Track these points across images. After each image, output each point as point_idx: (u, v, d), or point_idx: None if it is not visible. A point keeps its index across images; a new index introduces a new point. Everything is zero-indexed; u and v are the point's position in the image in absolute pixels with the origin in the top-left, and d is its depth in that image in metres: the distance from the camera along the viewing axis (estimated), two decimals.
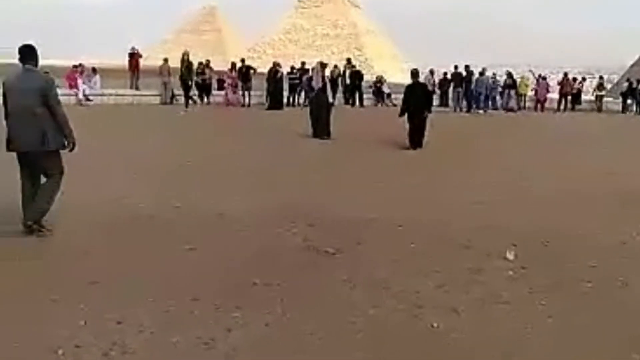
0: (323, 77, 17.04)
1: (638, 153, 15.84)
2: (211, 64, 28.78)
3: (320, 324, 4.66)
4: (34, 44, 6.84)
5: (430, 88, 27.21)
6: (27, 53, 6.71)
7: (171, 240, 6.70)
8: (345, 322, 4.72)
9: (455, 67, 30.81)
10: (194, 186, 9.55)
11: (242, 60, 29.47)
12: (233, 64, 28.44)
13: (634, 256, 6.58)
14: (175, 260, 6.07)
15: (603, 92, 33.83)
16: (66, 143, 6.74)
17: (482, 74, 30.56)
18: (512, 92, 31.52)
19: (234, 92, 27.54)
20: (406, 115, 15.11)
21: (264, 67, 30.04)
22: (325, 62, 18.15)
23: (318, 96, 16.70)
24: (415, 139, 14.84)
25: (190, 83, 26.47)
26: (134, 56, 28.14)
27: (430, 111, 15.45)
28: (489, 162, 13.18)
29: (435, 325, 4.68)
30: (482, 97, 30.17)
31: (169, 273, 5.68)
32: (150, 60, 33.99)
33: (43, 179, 6.84)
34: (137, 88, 27.79)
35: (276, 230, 7.18)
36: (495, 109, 30.89)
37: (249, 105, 27.59)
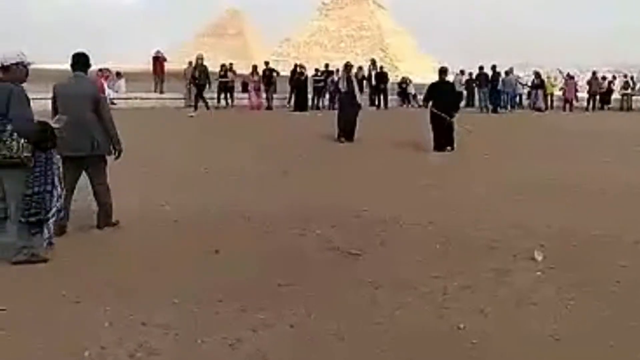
0: (349, 78, 16.59)
1: None
2: (234, 67, 28.84)
3: (345, 325, 4.64)
4: (86, 52, 7.10)
5: (459, 88, 27.26)
6: (79, 60, 6.98)
7: (195, 242, 6.72)
8: (371, 323, 4.70)
9: (481, 67, 30.64)
10: (218, 188, 9.59)
11: (266, 63, 29.60)
12: (254, 68, 28.50)
13: None
14: (199, 262, 6.09)
15: (629, 91, 33.41)
16: (113, 149, 7.01)
17: (507, 73, 30.43)
18: (540, 92, 31.28)
19: (258, 96, 27.63)
20: (430, 116, 14.63)
21: (288, 71, 30.04)
22: (351, 63, 17.72)
23: (345, 98, 16.39)
24: (442, 141, 14.30)
25: (206, 85, 26.36)
26: (158, 59, 28.31)
27: (456, 112, 14.94)
28: (515, 162, 13.05)
29: (461, 326, 4.63)
30: (509, 97, 30.06)
31: (194, 275, 5.70)
32: (174, 64, 34.13)
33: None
34: (161, 92, 27.97)
35: (299, 232, 7.18)
36: (522, 108, 30.76)
37: (271, 107, 27.63)
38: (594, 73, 34.17)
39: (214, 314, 4.79)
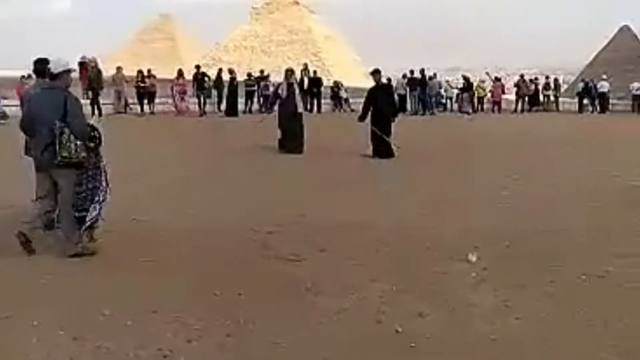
0: (291, 85, 15.41)
1: (592, 151, 16.12)
2: (164, 72, 28.29)
3: (283, 333, 4.56)
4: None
5: (402, 91, 27.61)
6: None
7: (128, 252, 6.53)
8: (310, 330, 4.64)
9: (411, 71, 31.13)
10: (151, 195, 9.35)
11: (197, 67, 29.19)
12: (180, 72, 27.98)
13: (595, 255, 6.61)
14: (131, 272, 5.90)
15: (550, 92, 34.51)
16: None
17: (431, 78, 31.68)
18: (465, 95, 32.06)
19: (183, 100, 27.12)
20: (370, 120, 14.33)
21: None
22: (292, 69, 16.55)
23: (286, 106, 15.15)
24: (382, 147, 14.02)
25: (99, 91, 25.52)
26: (84, 65, 27.61)
27: (396, 116, 14.72)
28: (450, 165, 13.26)
29: (400, 330, 4.61)
30: (432, 100, 31.23)
31: (126, 285, 5.51)
32: (108, 70, 33.40)
33: None
34: (87, 98, 27.28)
35: (236, 239, 7.07)
36: (451, 111, 31.60)
37: (204, 113, 27.26)
38: (521, 75, 35.19)
39: (148, 326, 4.64)
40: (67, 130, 6.08)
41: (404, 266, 6.14)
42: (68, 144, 6.08)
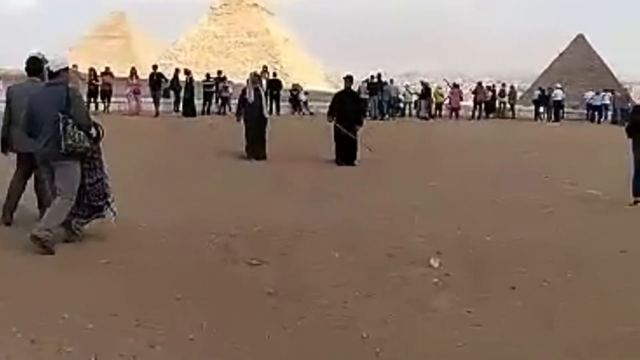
0: (257, 89, 14.91)
1: (550, 159, 16.42)
2: (118, 70, 27.82)
3: (247, 338, 4.52)
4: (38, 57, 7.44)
5: (364, 96, 27.72)
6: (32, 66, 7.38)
7: (86, 254, 6.39)
8: (273, 334, 4.59)
9: (372, 76, 31.31)
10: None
11: (154, 67, 28.83)
12: (133, 70, 27.46)
13: (556, 259, 6.73)
14: (90, 274, 5.78)
15: (505, 100, 35.08)
16: None
17: (386, 83, 32.03)
18: (423, 102, 32.43)
19: (136, 100, 26.63)
20: (333, 130, 14.18)
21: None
22: (258, 73, 16.38)
23: (252, 111, 14.60)
24: (344, 153, 13.88)
25: None
26: None
27: (361, 124, 14.44)
28: (412, 170, 13.35)
29: (365, 335, 4.60)
30: (388, 105, 31.62)
31: (84, 289, 5.39)
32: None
33: None
34: None
35: (196, 242, 6.98)
36: (409, 116, 31.95)
37: (158, 114, 26.70)
38: (479, 83, 35.67)
39: (109, 330, 4.54)
40: (70, 121, 6.39)
41: (367, 271, 6.14)
42: (72, 133, 6.37)
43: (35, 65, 7.36)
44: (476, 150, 18.39)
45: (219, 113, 28.95)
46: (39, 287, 5.39)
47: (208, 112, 28.45)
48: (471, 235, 7.65)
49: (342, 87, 15.93)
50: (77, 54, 65.11)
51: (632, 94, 34.68)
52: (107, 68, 27.45)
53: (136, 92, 26.64)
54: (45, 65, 6.87)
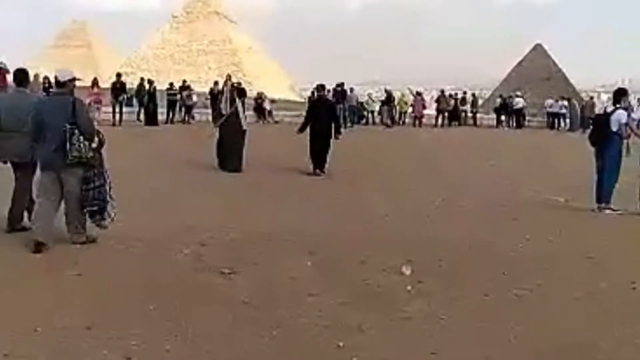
0: (233, 100, 14.35)
1: (513, 166, 16.68)
2: (81, 79, 27.21)
3: (223, 348, 4.50)
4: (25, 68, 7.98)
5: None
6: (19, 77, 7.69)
7: (55, 266, 6.32)
8: (249, 344, 4.58)
9: (336, 85, 31.43)
10: None
11: (118, 75, 28.53)
12: (95, 81, 26.47)
13: (526, 267, 6.82)
14: (60, 287, 5.71)
15: (467, 107, 35.50)
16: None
17: (348, 92, 32.07)
18: (385, 108, 32.73)
19: (97, 110, 26.05)
20: (309, 136, 13.94)
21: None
22: (234, 83, 15.77)
23: (228, 122, 14.06)
24: (321, 162, 13.72)
25: None
26: (0, 71, 26.52)
27: (339, 133, 14.14)
28: (381, 178, 13.43)
29: (341, 344, 4.61)
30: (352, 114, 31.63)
31: (56, 301, 5.32)
32: None
33: None
34: None
35: (167, 252, 6.92)
36: (367, 124, 32.45)
37: (120, 123, 26.34)
38: (442, 91, 36.06)
39: (83, 343, 4.47)
40: (76, 132, 6.73)
41: (339, 279, 6.17)
42: (78, 144, 6.73)
43: (21, 76, 7.69)
44: (442, 157, 18.56)
45: (183, 122, 28.80)
46: (9, 301, 5.29)
47: (172, 122, 28.28)
48: (442, 242, 7.72)
49: (306, 95, 15.94)
50: (39, 63, 64.20)
51: (596, 102, 35.40)
52: (95, 80, 26.45)
53: (97, 102, 26.14)
54: (55, 75, 7.27)
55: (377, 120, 33.44)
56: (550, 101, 35.43)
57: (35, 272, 6.11)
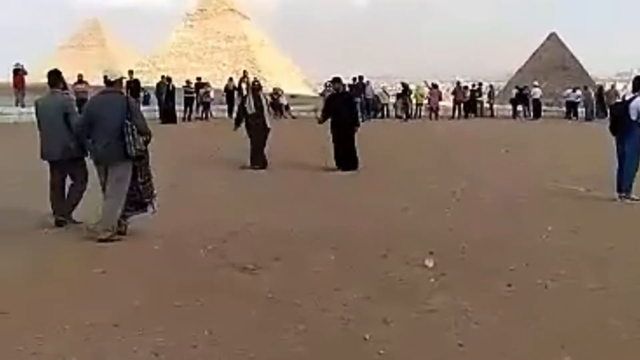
0: (258, 98, 14.17)
1: (536, 156, 16.60)
2: (85, 79, 27.06)
3: (250, 342, 4.52)
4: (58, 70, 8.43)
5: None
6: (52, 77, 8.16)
7: (80, 264, 6.38)
8: (276, 339, 4.61)
9: (354, 79, 31.42)
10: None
11: (130, 73, 28.59)
12: (106, 78, 26.30)
13: (548, 257, 6.80)
14: (86, 284, 5.78)
15: (483, 99, 35.36)
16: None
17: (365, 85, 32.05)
18: (399, 101, 32.72)
19: None
20: (330, 131, 13.68)
21: (153, 82, 29.43)
22: (259, 81, 15.52)
23: (252, 121, 13.91)
24: (345, 158, 13.39)
25: None
26: (18, 73, 26.85)
27: (358, 125, 13.96)
28: (401, 172, 13.40)
29: (367, 337, 4.62)
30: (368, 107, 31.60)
31: (82, 298, 5.39)
32: (36, 77, 32.36)
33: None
34: (22, 105, 26.55)
35: (190, 248, 6.97)
36: (383, 117, 32.79)
37: None
38: (458, 82, 35.93)
39: (111, 340, 4.52)
40: (135, 128, 7.15)
41: (363, 273, 6.18)
42: (137, 138, 7.16)
43: (53, 77, 8.16)
44: (459, 149, 18.49)
45: (201, 118, 28.92)
46: (35, 300, 5.35)
47: (189, 119, 28.39)
48: (463, 234, 7.71)
49: (319, 90, 15.73)
50: (54, 63, 64.69)
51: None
52: (79, 76, 26.64)
53: None
54: (104, 74, 7.64)
55: (392, 113, 33.41)
56: (569, 91, 35.15)
57: (61, 270, 6.17)
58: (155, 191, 7.61)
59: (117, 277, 5.98)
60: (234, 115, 17.41)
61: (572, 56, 45.78)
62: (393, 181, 12.24)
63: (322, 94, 33.00)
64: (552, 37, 46.71)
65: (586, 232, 8.08)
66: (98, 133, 7.28)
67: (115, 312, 5.04)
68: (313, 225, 8.12)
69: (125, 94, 7.67)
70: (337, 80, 14.87)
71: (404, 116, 32.20)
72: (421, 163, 15.08)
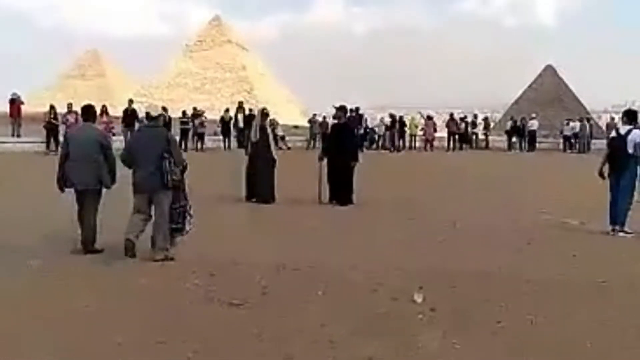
0: (264, 128, 13.42)
1: (524, 190, 16.57)
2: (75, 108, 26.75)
3: None
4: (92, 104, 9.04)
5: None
6: (87, 112, 8.68)
7: (63, 298, 6.29)
8: None
9: (351, 110, 31.48)
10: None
11: (130, 102, 28.67)
12: (103, 108, 25.63)
13: (538, 293, 6.74)
14: (66, 321, 5.66)
15: (477, 131, 35.51)
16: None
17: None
18: (388, 133, 32.83)
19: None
20: (327, 164, 13.15)
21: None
22: (267, 110, 14.52)
23: (256, 151, 13.32)
24: (339, 192, 12.87)
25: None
26: (14, 102, 26.86)
27: (356, 159, 13.23)
28: (393, 206, 13.31)
29: None
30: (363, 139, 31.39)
31: (61, 336, 5.28)
32: (33, 106, 32.53)
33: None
34: (18, 135, 26.58)
35: (176, 283, 6.89)
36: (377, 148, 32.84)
37: None
38: (451, 114, 36.08)
39: None
40: (172, 160, 7.85)
41: (351, 309, 6.10)
42: (174, 169, 7.83)
43: (88, 112, 8.67)
44: (452, 182, 18.49)
45: (196, 149, 28.94)
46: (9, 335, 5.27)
47: (185, 150, 28.39)
48: (454, 268, 7.65)
49: (319, 121, 15.22)
50: (54, 94, 65.06)
51: (600, 123, 35.22)
52: (69, 105, 25.33)
53: (107, 130, 25.74)
54: (145, 110, 8.63)
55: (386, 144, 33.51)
56: (571, 124, 35.17)
57: (43, 305, 6.07)
58: (190, 217, 8.17)
59: (100, 312, 5.88)
60: (233, 144, 17.09)
61: (568, 88, 46.04)
62: (385, 214, 12.16)
63: (310, 121, 32.91)
64: (548, 68, 47.00)
65: (578, 266, 8.03)
66: (139, 164, 7.95)
67: (96, 348, 4.96)
68: (301, 259, 8.01)
69: (165, 128, 8.45)
70: (341, 108, 14.24)
71: (392, 148, 32.26)
72: (413, 195, 15.00)
